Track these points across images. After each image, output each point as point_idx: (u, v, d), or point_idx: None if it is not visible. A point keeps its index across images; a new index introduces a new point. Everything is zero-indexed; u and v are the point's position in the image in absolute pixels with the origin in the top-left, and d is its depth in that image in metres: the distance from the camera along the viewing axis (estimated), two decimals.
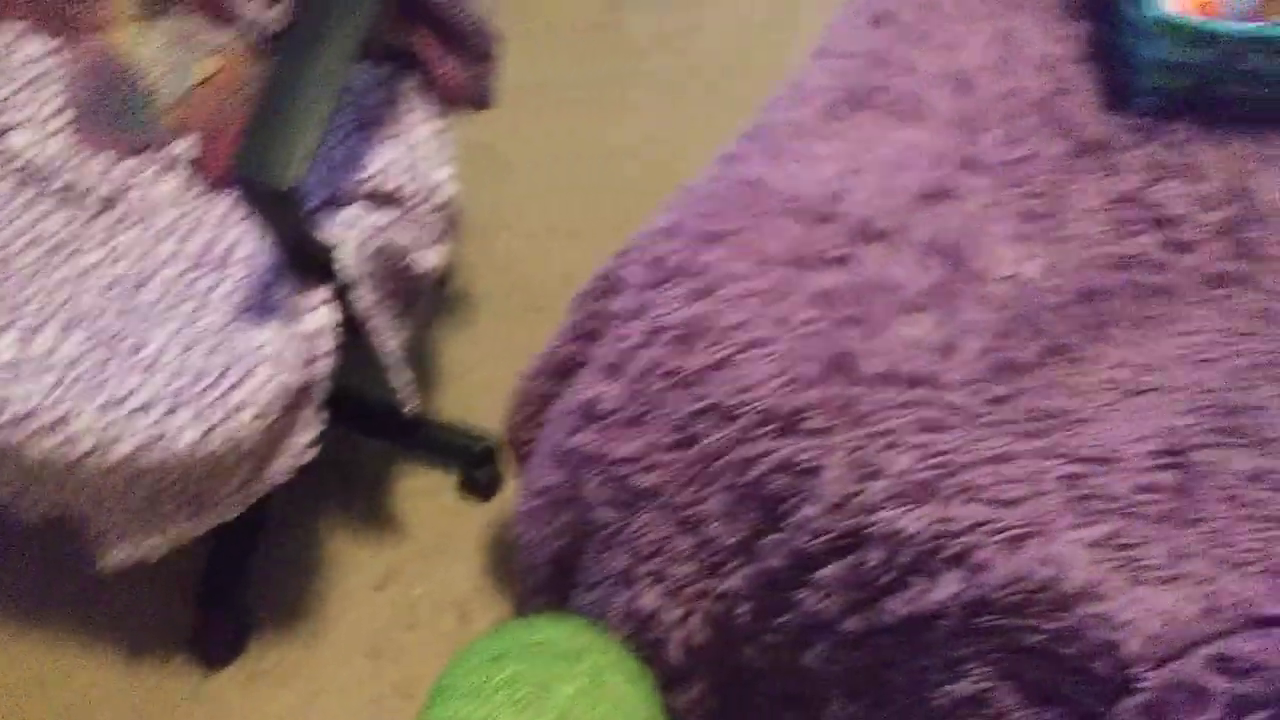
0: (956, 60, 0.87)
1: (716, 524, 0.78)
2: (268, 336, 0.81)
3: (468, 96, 1.23)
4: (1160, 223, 0.78)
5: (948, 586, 0.68)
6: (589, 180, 1.49)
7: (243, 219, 0.91)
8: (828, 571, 0.73)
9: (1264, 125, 0.82)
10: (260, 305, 0.85)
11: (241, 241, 0.90)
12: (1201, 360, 0.72)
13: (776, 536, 0.75)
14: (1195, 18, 0.78)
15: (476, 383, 1.26)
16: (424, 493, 1.18)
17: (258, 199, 0.72)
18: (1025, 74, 0.86)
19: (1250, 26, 0.76)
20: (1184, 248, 0.77)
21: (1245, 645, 0.61)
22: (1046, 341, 0.72)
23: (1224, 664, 0.61)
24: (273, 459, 0.84)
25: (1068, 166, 0.81)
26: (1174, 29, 0.77)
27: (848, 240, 0.76)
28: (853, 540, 0.71)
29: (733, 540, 0.78)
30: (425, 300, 1.20)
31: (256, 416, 0.78)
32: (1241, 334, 0.73)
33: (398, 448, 1.21)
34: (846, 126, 0.84)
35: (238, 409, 0.78)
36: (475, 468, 1.16)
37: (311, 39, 0.73)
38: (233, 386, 0.79)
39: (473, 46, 1.21)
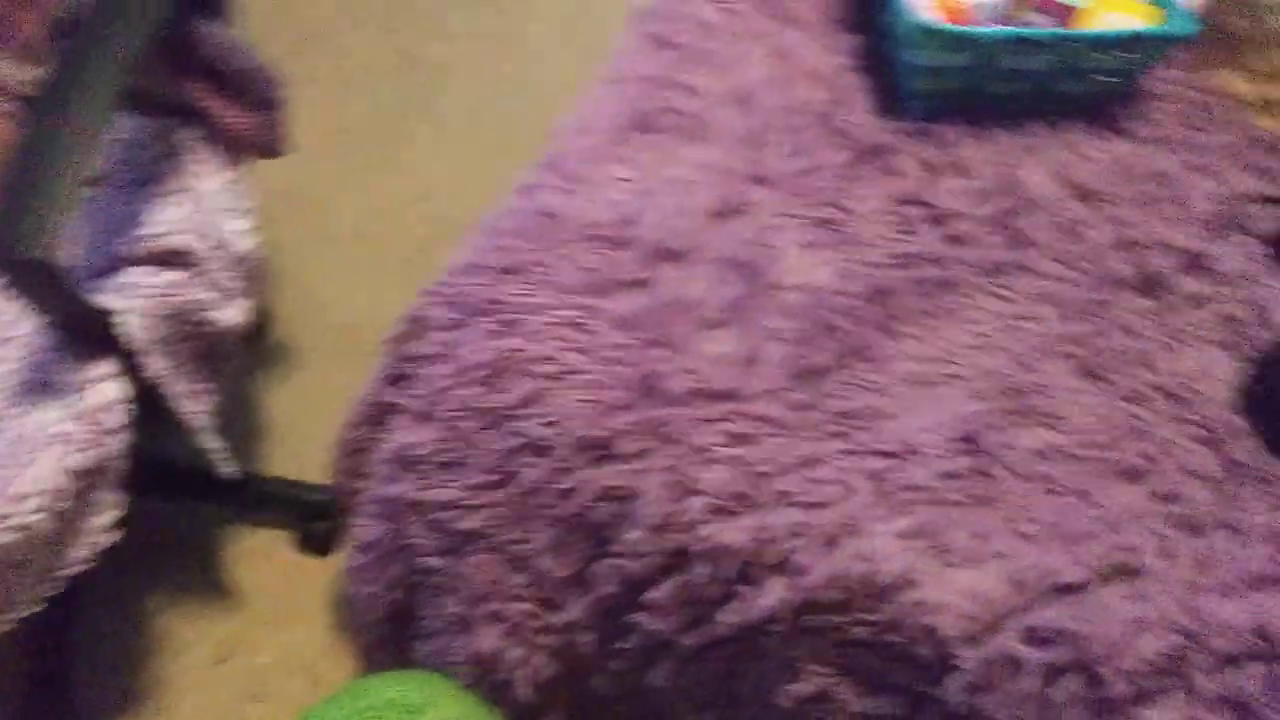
0: (737, 79, 0.89)
1: (546, 558, 0.77)
2: (51, 418, 0.76)
3: (257, 145, 1.19)
4: (938, 219, 0.82)
5: (774, 593, 0.68)
6: (404, 218, 1.46)
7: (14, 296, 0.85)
8: (659, 592, 0.72)
9: (1025, 119, 0.88)
10: (41, 385, 0.80)
11: (18, 320, 0.84)
12: (987, 346, 0.75)
13: (607, 563, 0.74)
14: (948, 25, 0.82)
15: (307, 434, 1.22)
16: (261, 554, 1.13)
17: (16, 273, 0.68)
18: (804, 87, 0.89)
19: (1000, 29, 0.81)
20: (962, 241, 0.80)
21: (1050, 614, 0.64)
22: (843, 343, 0.74)
23: (1032, 634, 0.64)
24: (69, 546, 0.79)
25: (849, 173, 0.84)
26: (930, 36, 0.81)
27: (645, 263, 0.77)
28: (679, 558, 0.71)
29: (565, 573, 0.77)
30: (234, 359, 1.15)
31: (41, 507, 0.72)
32: (1021, 317, 0.77)
33: (228, 510, 1.16)
34: (636, 150, 0.84)
35: (22, 498, 0.73)
36: (312, 522, 1.11)
37: (63, 99, 0.69)
38: (16, 475, 0.73)
39: (255, 94, 1.17)
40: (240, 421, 1.24)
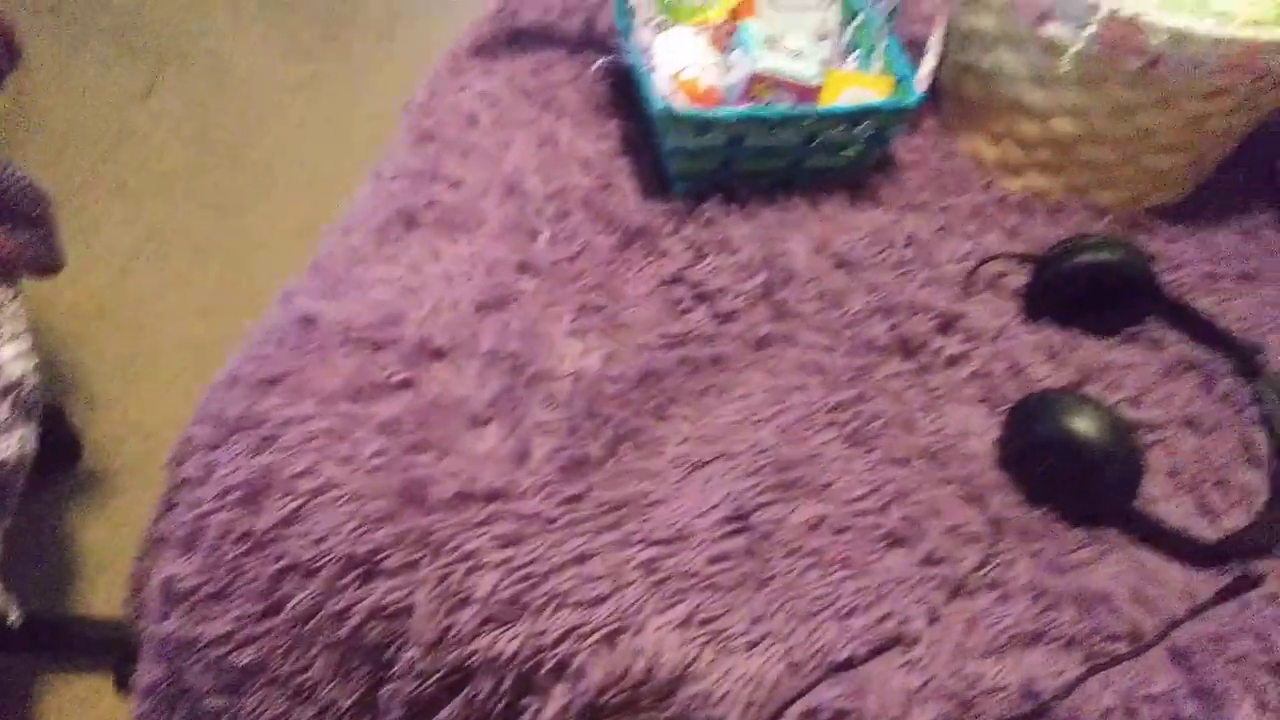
0: (502, 168, 0.89)
1: (329, 687, 0.73)
2: None
3: (29, 264, 1.12)
4: (705, 297, 0.82)
5: (557, 700, 0.66)
6: (229, 322, 1.40)
7: None
8: (446, 713, 0.69)
9: (786, 194, 0.90)
10: None
11: None
12: (756, 421, 0.76)
13: (391, 687, 0.70)
14: (691, 109, 0.84)
15: (126, 567, 1.14)
16: (81, 700, 1.04)
17: None
18: (570, 173, 0.89)
19: (736, 110, 0.83)
20: (729, 317, 0.81)
21: (828, 693, 0.64)
22: (614, 431, 0.73)
23: (814, 716, 0.63)
24: None
25: (617, 257, 0.84)
26: (676, 121, 0.82)
27: (408, 363, 0.74)
28: (460, 674, 0.68)
29: (350, 700, 0.73)
30: (16, 493, 1.07)
31: None
32: (790, 389, 0.78)
33: (43, 656, 1.06)
34: (400, 248, 0.82)
35: None
36: (132, 662, 1.03)
37: None
38: None
39: (20, 212, 1.10)
40: (53, 557, 1.14)
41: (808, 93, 0.86)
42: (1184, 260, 0.92)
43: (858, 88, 0.89)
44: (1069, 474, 0.71)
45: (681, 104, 0.84)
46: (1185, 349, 0.84)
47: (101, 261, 1.58)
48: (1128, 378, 0.82)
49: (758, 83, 0.86)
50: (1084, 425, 0.69)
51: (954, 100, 0.99)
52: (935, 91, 1.00)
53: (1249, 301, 0.90)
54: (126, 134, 1.81)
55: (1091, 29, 0.81)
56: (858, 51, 0.95)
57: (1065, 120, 0.89)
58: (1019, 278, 0.87)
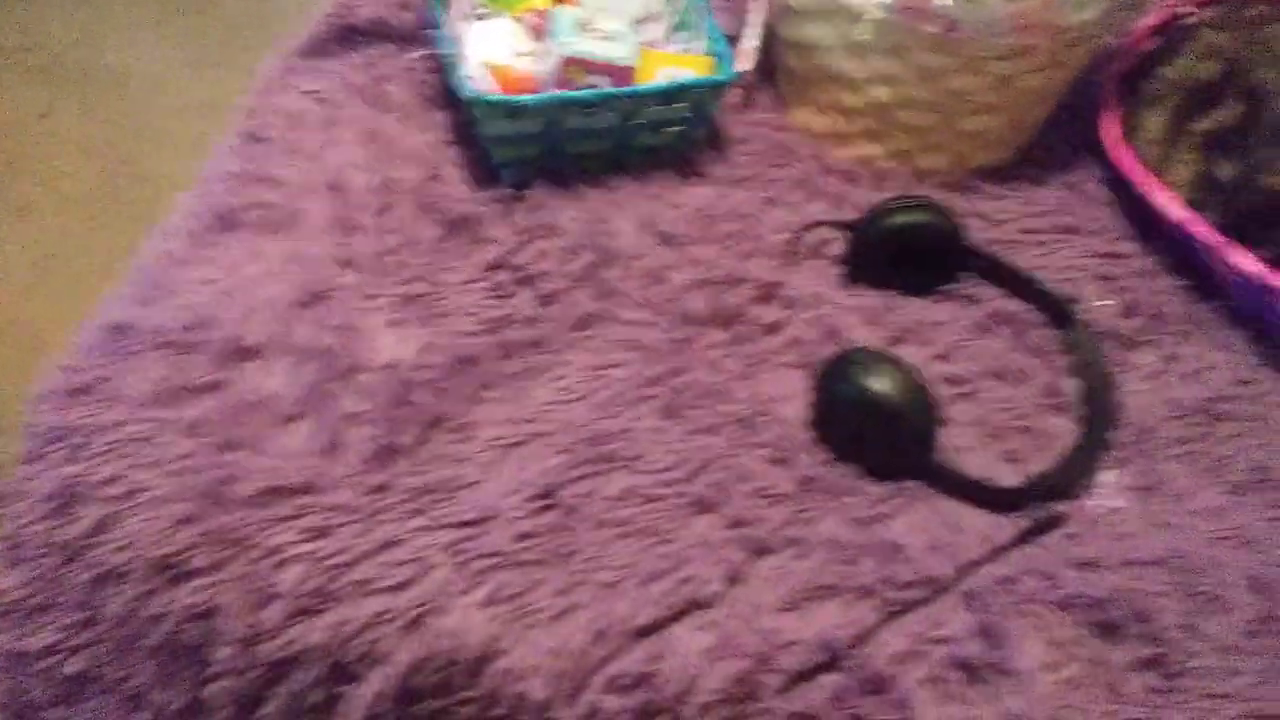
0: (327, 166, 0.89)
1: (158, 691, 0.73)
2: None
3: None
4: (527, 281, 0.83)
5: (372, 686, 0.67)
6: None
7: None
8: (271, 708, 0.69)
9: (613, 175, 0.91)
10: None
11: None
12: (572, 400, 0.77)
13: (214, 686, 0.70)
14: (502, 95, 0.84)
15: None
16: None
17: None
18: (397, 167, 0.90)
19: (547, 95, 0.84)
20: (550, 300, 0.82)
21: (629, 660, 0.65)
22: (426, 418, 0.74)
23: (614, 683, 0.64)
24: None
25: (441, 247, 0.85)
26: (489, 108, 0.83)
27: (218, 364, 0.75)
28: (279, 668, 0.68)
29: (180, 703, 0.73)
30: None
31: None
32: (607, 366, 0.79)
33: None
34: (217, 250, 0.82)
35: None
36: None
37: None
38: None
39: None
40: None
41: (622, 74, 0.87)
42: (1007, 217, 0.94)
43: (674, 67, 0.90)
44: (869, 431, 0.73)
45: (492, 91, 0.85)
46: (1000, 304, 0.87)
47: (2, 283, 1.57)
48: (941, 334, 0.84)
49: (570, 67, 0.86)
50: (878, 383, 0.71)
51: (783, 74, 1.00)
52: (768, 66, 1.02)
53: (1070, 252, 0.92)
54: (26, 155, 1.79)
55: None
56: (685, 33, 0.96)
57: (880, 88, 0.91)
58: (841, 245, 0.88)
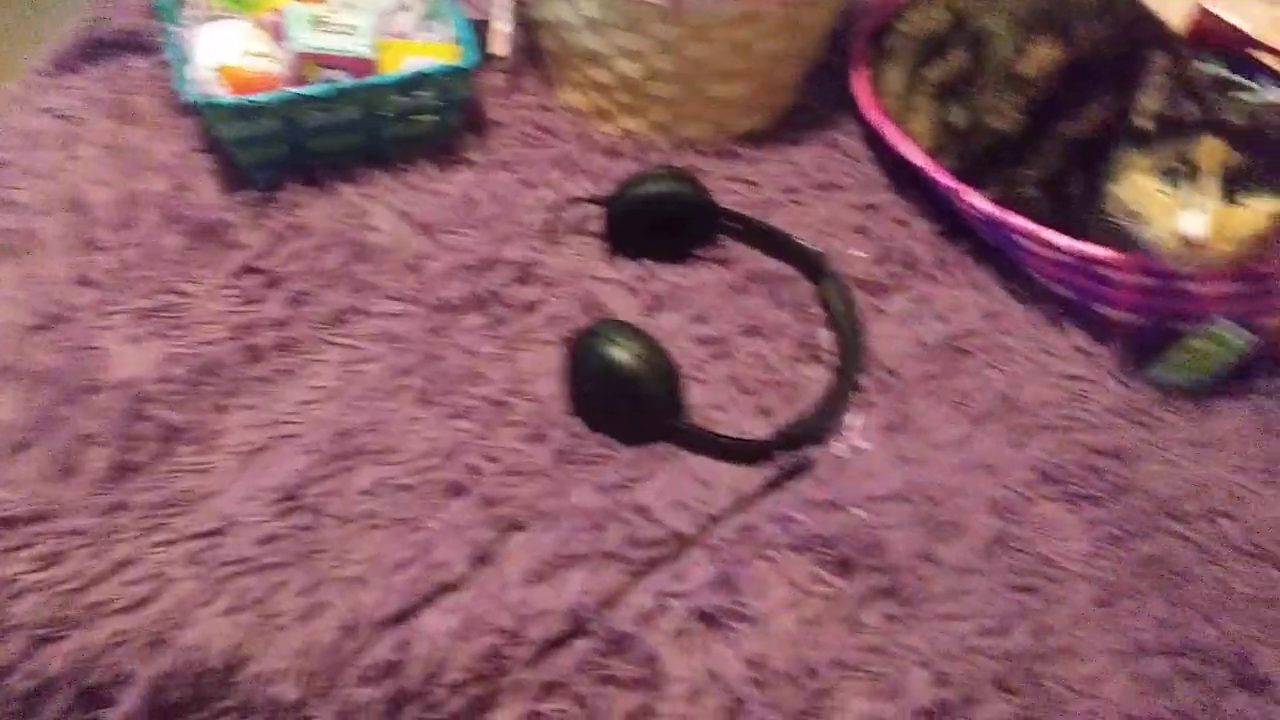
0: (66, 184, 0.86)
1: None
2: None
3: None
4: (278, 282, 0.82)
5: (124, 706, 0.65)
6: None
7: None
8: None
9: (369, 169, 0.90)
10: None
11: None
12: (324, 399, 0.76)
13: None
14: (231, 96, 0.83)
15: None
16: None
17: None
18: (142, 179, 0.87)
19: (284, 92, 0.83)
20: (302, 300, 0.81)
21: (379, 650, 0.65)
22: (164, 432, 0.72)
23: (367, 675, 0.64)
24: None
25: (187, 257, 0.83)
26: (214, 110, 0.81)
27: None
28: (28, 702, 0.66)
29: None
30: None
31: None
32: (361, 361, 0.78)
33: None
34: None
35: None
36: None
37: None
38: None
39: None
40: None
41: (361, 66, 0.87)
42: (767, 178, 0.96)
43: (418, 56, 0.89)
44: (615, 400, 0.74)
45: (221, 93, 0.83)
46: (756, 264, 0.89)
47: None
48: (698, 298, 0.85)
49: (306, 63, 0.85)
50: (618, 353, 0.72)
51: (546, 55, 1.01)
52: (536, 49, 1.02)
53: (828, 207, 0.94)
54: None
55: None
56: (438, 20, 0.96)
57: (625, 63, 0.92)
58: (600, 221, 0.89)
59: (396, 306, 0.82)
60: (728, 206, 0.90)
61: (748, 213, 0.91)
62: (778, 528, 0.70)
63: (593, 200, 0.87)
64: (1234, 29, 0.88)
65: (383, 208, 0.88)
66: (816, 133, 1.01)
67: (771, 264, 0.89)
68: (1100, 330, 0.85)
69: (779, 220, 0.92)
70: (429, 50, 0.90)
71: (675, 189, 0.85)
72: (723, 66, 0.91)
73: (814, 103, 1.04)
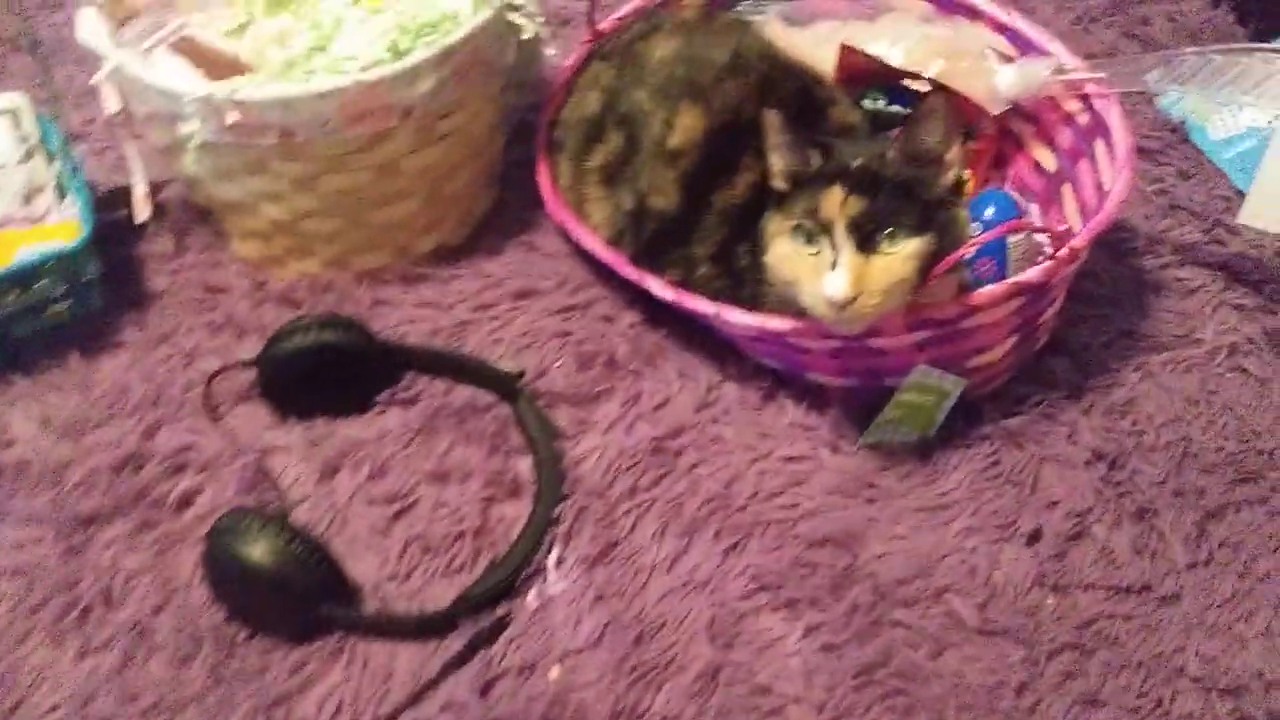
0: None
1: None
2: None
3: None
4: None
5: None
6: None
7: None
8: None
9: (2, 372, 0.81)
10: None
11: None
12: None
13: None
14: None
15: None
16: None
17: None
18: None
19: None
20: None
21: None
22: None
23: None
24: None
25: None
26: None
27: None
28: None
29: None
30: None
31: None
32: None
33: None
34: None
35: None
36: None
37: None
38: None
39: None
40: None
41: None
42: (460, 297, 0.89)
43: (34, 243, 0.81)
44: (259, 599, 0.65)
45: None
46: (444, 398, 0.81)
47: None
48: (379, 450, 0.77)
49: None
50: (249, 550, 0.63)
51: (206, 209, 0.93)
52: (193, 205, 0.94)
53: (527, 317, 0.87)
54: None
55: (198, 124, 0.76)
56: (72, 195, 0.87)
57: (270, 206, 0.84)
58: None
59: (29, 532, 0.72)
60: (410, 341, 0.83)
61: (431, 343, 0.84)
62: (476, 701, 0.61)
63: (244, 364, 0.79)
64: (877, 62, 0.85)
65: (20, 417, 0.79)
66: (513, 236, 0.95)
67: (463, 394, 0.81)
68: (818, 398, 0.80)
69: (475, 341, 0.85)
70: (46, 234, 0.81)
71: (325, 338, 0.77)
72: (377, 192, 0.84)
73: (513, 202, 0.98)
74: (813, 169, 0.68)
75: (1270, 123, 0.95)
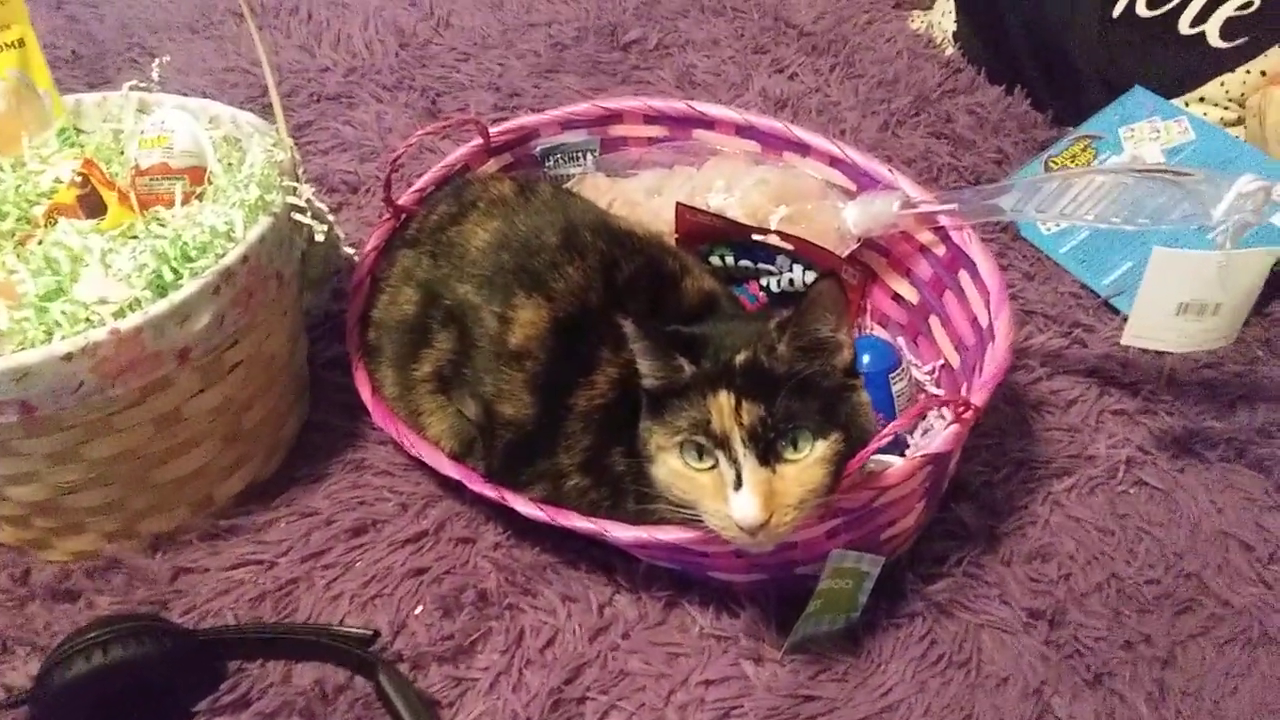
0: None
1: None
2: None
3: None
4: None
5: None
6: None
7: None
8: None
9: None
10: None
11: None
12: None
13: None
14: None
15: None
16: None
17: None
18: None
19: None
20: None
21: None
22: None
23: None
24: None
25: None
26: None
27: None
28: None
29: None
30: None
31: None
32: None
33: None
34: None
35: None
36: None
37: None
38: None
39: None
40: None
41: None
42: (282, 548, 0.74)
43: None
44: None
45: None
46: (288, 684, 0.66)
47: None
48: None
49: None
50: None
51: None
52: None
53: (369, 558, 0.73)
54: None
55: None
56: None
57: (18, 490, 0.67)
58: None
59: None
60: (229, 621, 0.68)
61: (256, 616, 0.68)
62: None
63: (6, 704, 0.62)
64: (719, 218, 0.78)
65: None
66: (335, 456, 0.81)
67: (307, 676, 0.66)
68: (726, 597, 0.70)
69: (309, 602, 0.71)
70: None
71: (115, 656, 0.60)
72: (160, 447, 0.69)
73: (329, 413, 0.84)
74: (687, 374, 0.59)
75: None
